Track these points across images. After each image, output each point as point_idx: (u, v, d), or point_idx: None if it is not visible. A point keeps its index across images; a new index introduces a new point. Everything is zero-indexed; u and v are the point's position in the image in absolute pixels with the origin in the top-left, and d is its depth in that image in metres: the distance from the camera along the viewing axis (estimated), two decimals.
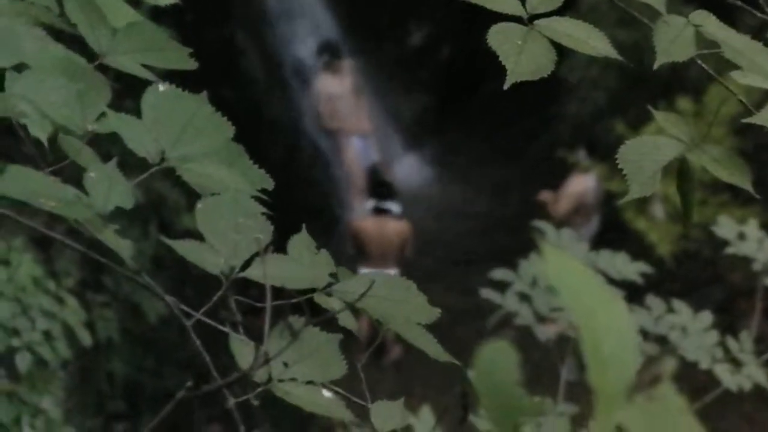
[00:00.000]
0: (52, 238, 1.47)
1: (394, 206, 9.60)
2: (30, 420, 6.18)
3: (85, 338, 6.60)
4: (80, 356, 7.06)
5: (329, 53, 11.31)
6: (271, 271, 1.47)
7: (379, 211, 9.53)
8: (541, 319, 4.87)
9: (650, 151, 1.75)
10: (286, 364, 1.52)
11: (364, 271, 9.29)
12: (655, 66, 1.76)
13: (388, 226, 9.48)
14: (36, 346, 6.28)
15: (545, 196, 9.63)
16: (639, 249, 6.37)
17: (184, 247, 1.53)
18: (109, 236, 1.45)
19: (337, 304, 1.58)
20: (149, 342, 8.01)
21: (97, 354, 7.48)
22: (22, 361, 6.22)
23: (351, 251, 9.50)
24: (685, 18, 1.81)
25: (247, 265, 1.53)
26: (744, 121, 1.76)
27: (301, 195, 10.54)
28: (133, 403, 8.09)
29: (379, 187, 9.83)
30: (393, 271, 9.48)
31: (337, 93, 11.16)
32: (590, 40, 1.75)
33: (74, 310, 6.54)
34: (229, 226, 1.56)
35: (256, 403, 1.50)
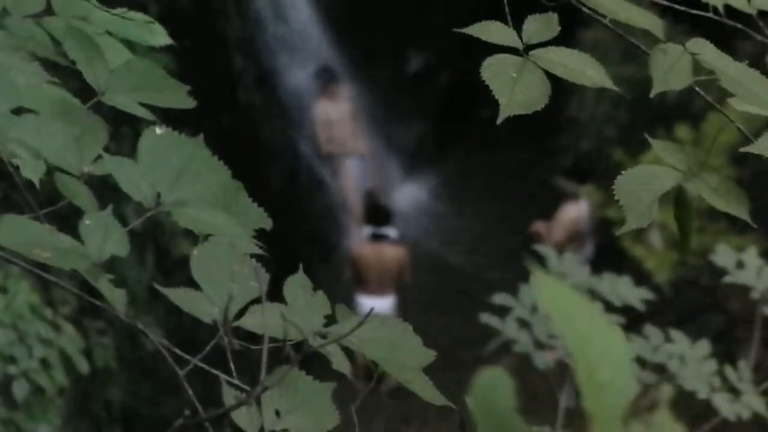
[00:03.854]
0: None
1: (391, 231, 9.59)
2: None
3: (83, 365, 6.59)
4: (77, 383, 7.04)
5: (325, 78, 11.32)
6: (266, 320, 1.47)
7: (376, 237, 9.52)
8: (541, 346, 4.86)
9: (647, 181, 1.73)
10: (278, 414, 1.51)
11: (361, 298, 9.28)
12: (652, 94, 1.75)
13: (386, 252, 9.47)
14: (33, 374, 6.27)
15: (538, 226, 9.64)
16: (636, 276, 6.36)
17: (178, 296, 1.53)
18: (104, 286, 1.45)
19: (332, 347, 1.56)
20: (146, 369, 7.99)
21: (94, 381, 7.45)
22: (19, 389, 6.21)
23: (349, 277, 9.49)
24: (682, 46, 1.80)
25: (242, 311, 1.53)
26: (742, 149, 1.75)
27: (300, 221, 10.53)
28: (130, 431, 8.06)
29: (376, 212, 9.82)
30: (391, 297, 9.47)
31: (334, 118, 11.15)
32: (586, 71, 1.74)
33: (71, 337, 6.53)
34: (225, 274, 1.55)
35: None
